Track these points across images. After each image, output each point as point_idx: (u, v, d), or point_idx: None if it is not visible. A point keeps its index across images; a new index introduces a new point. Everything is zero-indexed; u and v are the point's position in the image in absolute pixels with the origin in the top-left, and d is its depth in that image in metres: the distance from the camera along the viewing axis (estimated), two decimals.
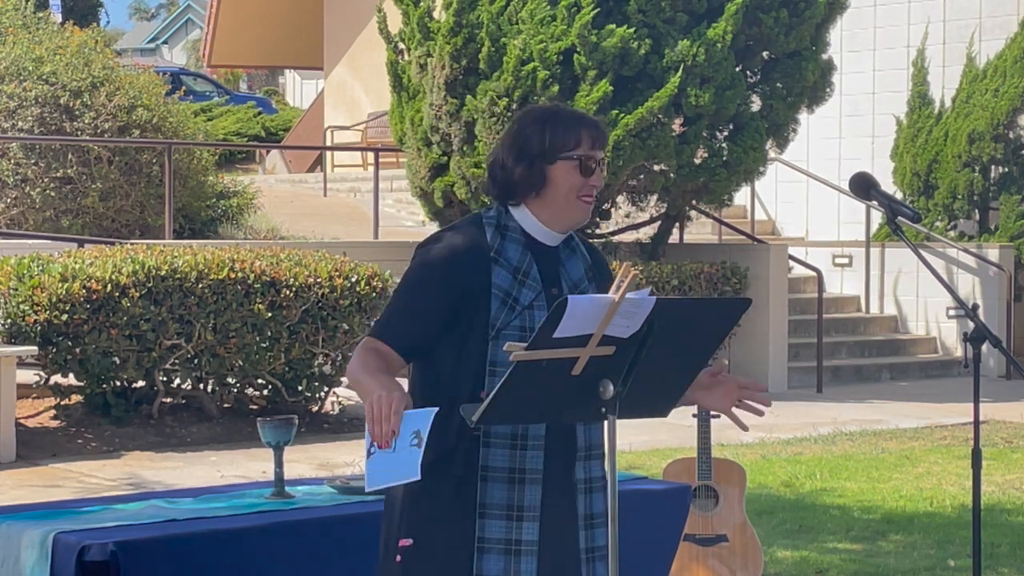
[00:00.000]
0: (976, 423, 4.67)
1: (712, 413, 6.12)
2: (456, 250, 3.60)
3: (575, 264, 3.73)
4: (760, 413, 3.79)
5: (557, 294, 3.61)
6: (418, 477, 3.33)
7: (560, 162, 3.64)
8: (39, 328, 10.07)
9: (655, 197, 14.08)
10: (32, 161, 14.85)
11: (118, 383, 10.60)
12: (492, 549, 3.54)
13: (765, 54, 13.51)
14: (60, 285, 10.00)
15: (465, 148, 13.11)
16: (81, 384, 10.55)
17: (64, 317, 9.98)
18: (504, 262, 3.60)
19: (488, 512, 3.55)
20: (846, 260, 17.08)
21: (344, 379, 11.34)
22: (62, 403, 10.73)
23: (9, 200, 14.91)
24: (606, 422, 3.47)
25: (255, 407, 11.12)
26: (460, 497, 3.56)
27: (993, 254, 16.04)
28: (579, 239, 3.79)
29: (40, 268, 10.21)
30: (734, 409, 3.82)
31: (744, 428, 3.91)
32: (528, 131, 3.66)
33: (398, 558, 3.59)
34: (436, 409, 3.38)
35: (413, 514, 3.58)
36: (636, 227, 14.63)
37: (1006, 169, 16.78)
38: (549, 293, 3.63)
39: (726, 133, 13.45)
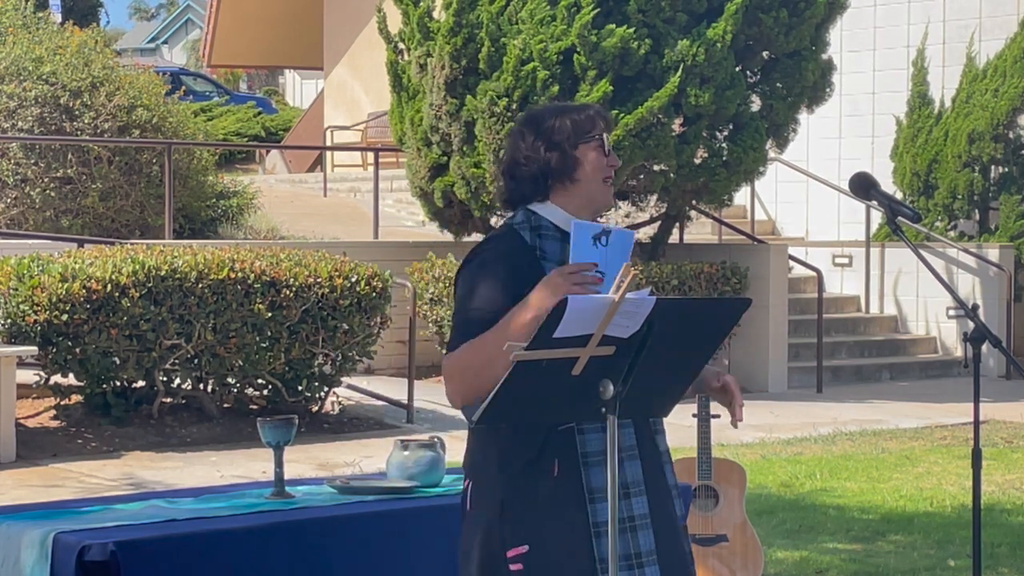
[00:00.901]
0: (976, 423, 4.67)
1: (712, 413, 6.13)
2: (507, 254, 3.68)
3: None
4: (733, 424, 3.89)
5: None
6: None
7: (582, 145, 3.75)
8: (39, 328, 10.07)
9: (655, 197, 14.08)
10: (32, 161, 14.85)
11: (118, 383, 10.60)
12: (608, 532, 3.55)
13: (765, 54, 13.51)
14: (60, 285, 10.00)
15: (465, 148, 13.11)
16: (81, 384, 10.55)
17: (64, 317, 9.98)
18: (549, 259, 3.69)
19: (597, 496, 3.58)
20: (846, 260, 17.08)
21: (344, 379, 11.36)
22: (62, 403, 10.73)
23: (9, 200, 14.91)
24: (607, 422, 3.47)
25: (255, 407, 11.12)
26: (566, 489, 3.59)
27: (993, 254, 16.05)
28: None
29: (40, 268, 10.21)
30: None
31: (735, 426, 3.94)
32: (550, 122, 3.77)
33: (517, 566, 3.57)
34: (632, 233, 3.66)
35: (520, 520, 3.58)
36: (636, 227, 14.63)
37: (1006, 169, 16.79)
38: None
39: (726, 133, 13.45)
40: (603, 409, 3.46)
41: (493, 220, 14.12)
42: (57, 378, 10.52)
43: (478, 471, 3.69)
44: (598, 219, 3.78)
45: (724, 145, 13.41)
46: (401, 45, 13.91)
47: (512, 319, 3.54)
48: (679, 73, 12.65)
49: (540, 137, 3.75)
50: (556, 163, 3.73)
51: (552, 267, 3.64)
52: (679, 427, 5.87)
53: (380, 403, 11.82)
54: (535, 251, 3.69)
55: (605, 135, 3.78)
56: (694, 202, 14.29)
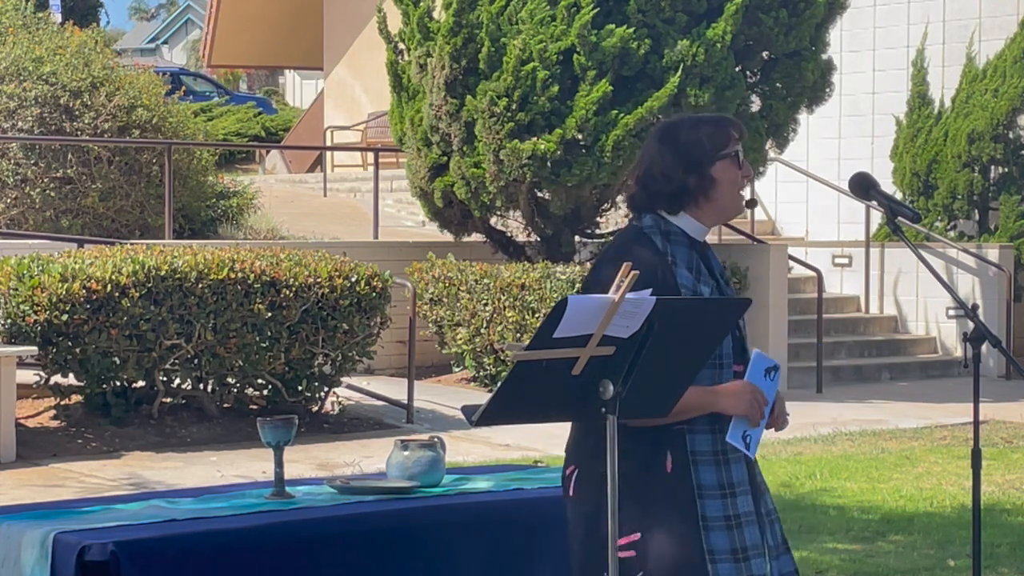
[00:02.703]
0: (976, 423, 4.67)
1: None
2: (642, 260, 3.70)
3: (715, 256, 3.95)
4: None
5: (716, 286, 3.84)
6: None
7: (719, 162, 3.82)
8: (39, 328, 10.07)
9: None
10: (32, 161, 14.85)
11: (118, 383, 10.60)
12: (716, 527, 3.75)
13: (765, 54, 13.51)
14: (60, 285, 10.00)
15: (465, 148, 13.11)
16: (81, 384, 10.55)
17: (64, 317, 9.98)
18: (680, 263, 3.79)
19: (706, 492, 3.76)
20: (846, 260, 17.08)
21: (344, 379, 11.36)
22: (62, 403, 10.73)
23: (9, 200, 14.91)
24: (607, 422, 3.47)
25: (255, 407, 11.12)
26: (677, 484, 3.74)
27: (993, 254, 16.04)
28: None
29: (40, 268, 10.21)
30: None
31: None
32: (690, 139, 3.82)
33: (629, 553, 3.70)
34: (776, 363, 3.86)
35: (632, 510, 3.70)
36: None
37: (1006, 169, 16.78)
38: (715, 285, 3.85)
39: None
40: (603, 409, 3.46)
41: (493, 220, 14.13)
42: (57, 378, 10.52)
43: (586, 458, 3.78)
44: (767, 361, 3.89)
45: None
46: (401, 45, 13.91)
47: (696, 398, 3.72)
48: (679, 73, 12.65)
49: (679, 157, 3.81)
50: (694, 185, 3.81)
51: (685, 272, 3.76)
52: None
53: (380, 403, 11.82)
54: (667, 257, 3.78)
55: (739, 147, 3.85)
56: None
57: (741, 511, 3.81)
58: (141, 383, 10.69)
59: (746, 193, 3.91)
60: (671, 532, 3.70)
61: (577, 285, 12.10)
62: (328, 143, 24.32)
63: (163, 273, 10.19)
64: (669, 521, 3.71)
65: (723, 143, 3.82)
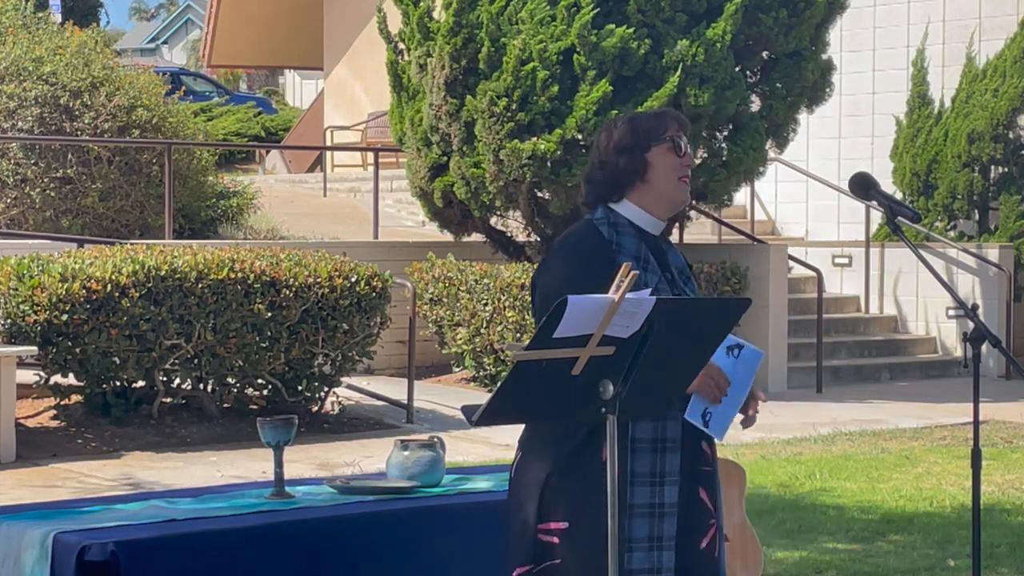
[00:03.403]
0: (976, 423, 4.67)
1: None
2: (586, 248, 3.87)
3: (675, 252, 4.01)
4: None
5: (670, 278, 3.90)
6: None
7: (655, 147, 3.93)
8: (39, 328, 10.07)
9: None
10: (32, 161, 14.85)
11: (118, 383, 10.60)
12: (640, 514, 3.79)
13: (765, 54, 13.51)
14: (60, 285, 10.00)
15: (465, 148, 13.11)
16: (81, 384, 10.55)
17: (64, 317, 9.99)
18: (625, 253, 3.86)
19: (637, 480, 3.79)
20: (846, 260, 17.08)
21: (344, 379, 11.36)
22: (62, 403, 10.73)
23: (9, 200, 14.91)
24: (607, 422, 3.48)
25: (255, 407, 11.12)
26: (607, 472, 3.74)
27: (993, 254, 16.04)
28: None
29: (40, 268, 10.21)
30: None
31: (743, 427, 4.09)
32: (626, 127, 3.96)
33: (552, 539, 3.76)
34: (761, 353, 3.86)
35: (562, 497, 3.77)
36: None
37: (1006, 169, 16.78)
38: (665, 277, 3.90)
39: (726, 133, 13.45)
40: (603, 409, 3.47)
41: (493, 220, 14.13)
42: (57, 378, 10.52)
43: (529, 445, 3.86)
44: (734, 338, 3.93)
45: (724, 145, 13.40)
46: (401, 45, 13.91)
47: None
48: (679, 73, 12.65)
49: (612, 142, 3.95)
50: (627, 166, 3.92)
51: (627, 260, 3.79)
52: None
53: (380, 403, 11.82)
54: (611, 245, 3.86)
55: (677, 135, 3.95)
56: (694, 202, 14.29)
57: (667, 500, 3.82)
58: (141, 383, 10.69)
59: (687, 183, 3.97)
60: (598, 521, 3.70)
61: None
62: (328, 143, 24.32)
63: (163, 273, 10.19)
64: (598, 509, 3.70)
65: (660, 130, 3.94)
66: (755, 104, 13.57)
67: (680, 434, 3.85)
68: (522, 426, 3.91)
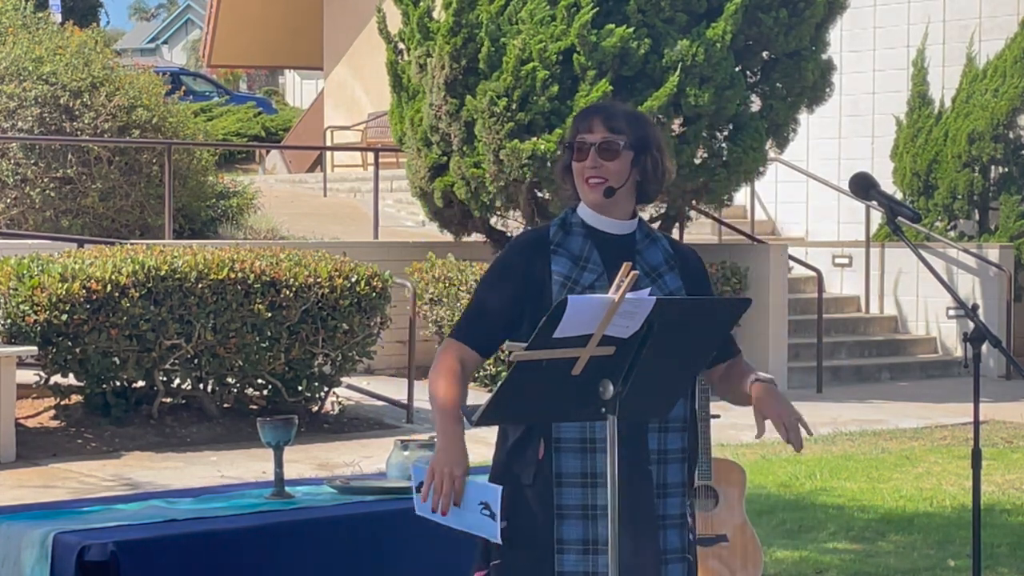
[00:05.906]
0: (976, 423, 4.67)
1: (712, 413, 6.12)
2: (519, 246, 3.88)
3: (653, 252, 3.90)
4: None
5: (605, 275, 3.80)
6: (499, 542, 3.61)
7: (573, 152, 3.88)
8: (39, 328, 10.07)
9: None
10: (32, 161, 14.85)
11: (118, 383, 10.60)
12: (570, 515, 3.73)
13: (765, 54, 13.51)
14: (60, 285, 10.00)
15: (465, 148, 13.11)
16: (81, 384, 10.55)
17: (64, 317, 9.98)
18: (565, 252, 3.82)
19: (564, 480, 3.73)
20: (846, 260, 17.08)
21: (344, 379, 11.37)
22: (62, 403, 10.73)
23: (9, 200, 14.91)
24: (607, 422, 3.47)
25: (255, 407, 11.12)
26: (544, 472, 3.74)
27: (993, 254, 16.05)
28: (663, 235, 4.00)
29: (40, 268, 10.21)
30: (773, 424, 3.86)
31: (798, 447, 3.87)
32: (570, 129, 3.94)
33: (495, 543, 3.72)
34: (501, 488, 3.62)
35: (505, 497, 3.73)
36: None
37: (1006, 169, 16.79)
38: (612, 276, 3.73)
39: (726, 133, 13.45)
40: (603, 409, 3.46)
41: (493, 220, 14.13)
42: (57, 378, 10.52)
43: (500, 445, 3.88)
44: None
45: (724, 145, 13.40)
46: (401, 45, 13.91)
47: (439, 419, 3.77)
48: (678, 73, 12.65)
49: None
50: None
51: (565, 260, 3.79)
52: None
53: (380, 403, 11.82)
54: (550, 244, 3.83)
55: (583, 136, 3.84)
56: (694, 202, 14.29)
57: (599, 503, 3.69)
58: (141, 383, 10.69)
59: (595, 186, 3.81)
60: (532, 521, 3.71)
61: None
62: (328, 143, 24.32)
63: (163, 273, 10.19)
64: (529, 509, 3.72)
65: (573, 132, 3.87)
66: (755, 104, 13.57)
67: (615, 434, 3.70)
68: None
